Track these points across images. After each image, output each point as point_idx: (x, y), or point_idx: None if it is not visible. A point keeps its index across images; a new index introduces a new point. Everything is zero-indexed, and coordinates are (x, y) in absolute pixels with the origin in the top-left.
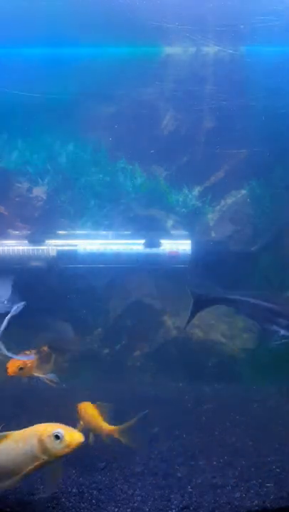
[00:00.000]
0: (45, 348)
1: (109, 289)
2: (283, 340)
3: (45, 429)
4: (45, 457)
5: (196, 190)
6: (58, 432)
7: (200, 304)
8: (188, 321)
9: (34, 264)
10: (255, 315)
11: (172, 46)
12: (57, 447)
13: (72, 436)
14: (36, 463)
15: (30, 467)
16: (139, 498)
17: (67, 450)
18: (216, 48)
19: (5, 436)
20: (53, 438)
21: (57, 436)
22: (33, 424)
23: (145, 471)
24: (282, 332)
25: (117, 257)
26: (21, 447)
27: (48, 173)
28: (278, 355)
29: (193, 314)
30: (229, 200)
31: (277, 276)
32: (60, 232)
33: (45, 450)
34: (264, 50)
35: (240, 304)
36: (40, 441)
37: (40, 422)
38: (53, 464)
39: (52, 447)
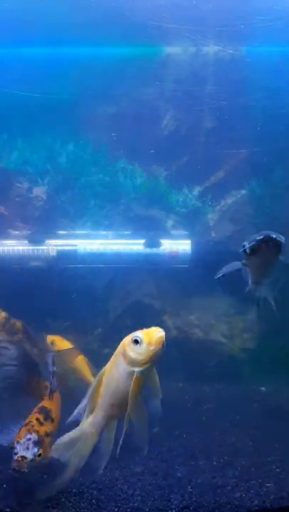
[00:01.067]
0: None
1: (109, 289)
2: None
3: (125, 341)
4: (135, 367)
5: (196, 190)
6: (135, 337)
7: None
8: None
9: (34, 264)
10: None
11: (172, 46)
12: (139, 351)
13: (151, 335)
14: (133, 380)
15: (132, 387)
16: (139, 498)
17: (151, 352)
18: (216, 47)
19: (102, 373)
20: (132, 345)
21: (136, 341)
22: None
23: (145, 471)
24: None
25: (117, 257)
26: (115, 372)
27: (48, 173)
28: (278, 355)
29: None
30: (229, 200)
31: (277, 276)
32: (60, 232)
33: (131, 361)
34: (264, 50)
35: None
36: (124, 355)
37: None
38: (148, 375)
39: (135, 354)
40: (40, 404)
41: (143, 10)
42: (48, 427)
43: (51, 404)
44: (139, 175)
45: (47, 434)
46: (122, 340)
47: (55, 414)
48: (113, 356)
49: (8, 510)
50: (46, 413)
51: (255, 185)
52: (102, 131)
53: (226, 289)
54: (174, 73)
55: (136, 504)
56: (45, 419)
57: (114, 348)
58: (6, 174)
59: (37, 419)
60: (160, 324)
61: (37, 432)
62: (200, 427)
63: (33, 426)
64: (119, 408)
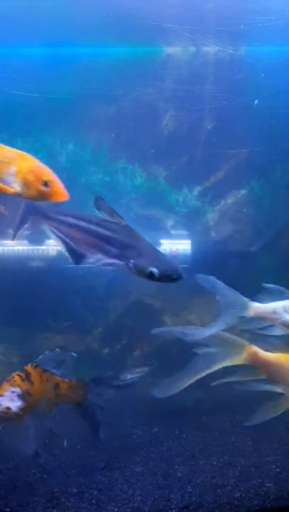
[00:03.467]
0: None
1: (109, 288)
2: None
3: None
4: None
5: (196, 190)
6: None
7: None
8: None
9: (34, 264)
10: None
11: (172, 46)
12: None
13: None
14: None
15: None
16: (139, 498)
17: None
18: (216, 47)
19: None
20: None
21: None
22: None
23: (145, 471)
24: (106, 260)
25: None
26: None
27: None
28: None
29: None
30: (229, 200)
31: (276, 277)
32: None
33: None
34: (264, 50)
35: (61, 223)
36: None
37: None
38: None
39: None
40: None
41: (143, 10)
42: (27, 386)
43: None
44: (139, 175)
45: (28, 393)
46: (121, 340)
47: (36, 388)
48: None
49: (8, 510)
50: (27, 374)
51: (255, 185)
52: (102, 131)
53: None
54: (174, 73)
55: (136, 504)
56: (26, 379)
57: (114, 348)
58: None
59: (19, 376)
60: (160, 324)
61: (20, 386)
62: (200, 427)
63: (15, 381)
64: None
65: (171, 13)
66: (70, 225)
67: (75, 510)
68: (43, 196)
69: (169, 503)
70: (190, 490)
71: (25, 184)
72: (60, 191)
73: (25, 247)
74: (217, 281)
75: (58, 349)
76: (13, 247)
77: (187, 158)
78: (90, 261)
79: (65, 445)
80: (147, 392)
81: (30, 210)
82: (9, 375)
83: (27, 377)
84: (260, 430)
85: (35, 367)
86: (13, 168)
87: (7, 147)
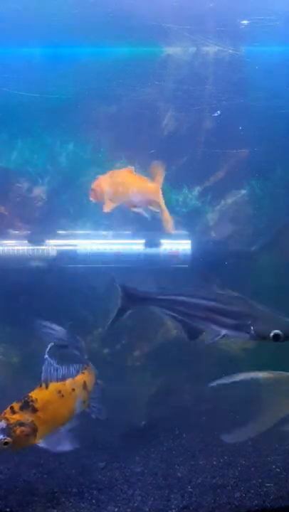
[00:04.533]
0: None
1: (109, 289)
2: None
3: None
4: None
5: (196, 190)
6: None
7: (128, 302)
8: (113, 322)
9: (34, 264)
10: (191, 315)
11: (172, 46)
12: None
13: None
14: None
15: None
16: (139, 498)
17: None
18: (216, 47)
19: None
20: None
21: None
22: None
23: (145, 471)
24: (224, 332)
25: (117, 257)
26: None
27: (48, 173)
28: (279, 355)
29: (119, 314)
30: (229, 200)
31: (276, 277)
32: (60, 232)
33: None
34: (264, 50)
35: (174, 304)
36: None
37: None
38: None
39: None
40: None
41: (143, 10)
42: (23, 417)
43: (41, 393)
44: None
45: (20, 424)
46: (121, 340)
47: (43, 403)
48: None
49: (8, 510)
50: (26, 402)
51: (255, 185)
52: (102, 131)
53: (226, 288)
54: (174, 73)
55: (136, 504)
56: (22, 408)
57: (114, 348)
58: (6, 174)
59: (11, 408)
60: (160, 324)
61: (6, 419)
62: (200, 427)
63: (4, 413)
64: None
65: (171, 13)
66: (183, 303)
67: (75, 510)
68: None
69: (169, 503)
70: (190, 490)
71: None
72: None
73: (25, 247)
74: None
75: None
76: (13, 247)
77: (187, 158)
78: (209, 337)
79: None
80: (147, 392)
81: (132, 298)
82: (9, 375)
83: (23, 406)
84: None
85: (45, 386)
86: None
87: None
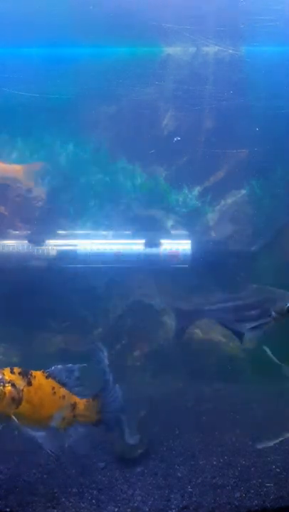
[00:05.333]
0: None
1: (109, 288)
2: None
3: None
4: None
5: (196, 190)
6: None
7: (184, 320)
8: (179, 337)
9: (34, 264)
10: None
11: (172, 46)
12: None
13: None
14: None
15: None
16: (139, 498)
17: None
18: (216, 47)
19: None
20: None
21: None
22: None
23: (145, 471)
24: (252, 325)
25: (117, 257)
26: None
27: (48, 173)
28: (279, 355)
29: (181, 331)
30: (229, 200)
31: (276, 277)
32: (60, 232)
33: None
34: (264, 50)
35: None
36: None
37: None
38: None
39: None
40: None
41: (143, 10)
42: (17, 381)
43: (40, 376)
44: (139, 175)
45: (13, 384)
46: (121, 340)
47: (36, 393)
48: None
49: (8, 510)
50: (26, 372)
51: (255, 185)
52: (102, 131)
53: (226, 288)
54: (174, 73)
55: (136, 504)
56: (21, 374)
57: (114, 348)
58: None
59: (11, 369)
60: (160, 324)
61: (2, 374)
62: (200, 427)
63: (3, 369)
64: None
65: (171, 13)
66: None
67: (75, 510)
68: None
69: (169, 503)
70: (190, 490)
71: None
72: None
73: (25, 247)
74: None
75: (70, 365)
76: (13, 247)
77: (187, 158)
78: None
79: (66, 445)
80: (147, 392)
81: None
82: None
83: (23, 374)
84: (260, 430)
85: (47, 376)
86: None
87: None
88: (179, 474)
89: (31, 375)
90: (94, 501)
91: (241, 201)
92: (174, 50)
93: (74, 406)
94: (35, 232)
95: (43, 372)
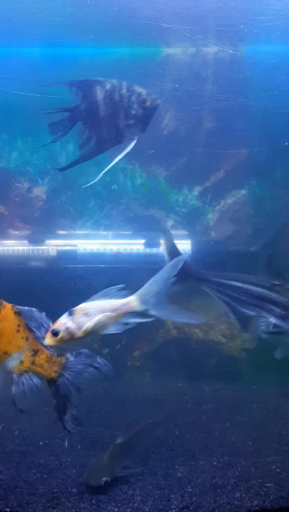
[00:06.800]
0: None
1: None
2: (272, 330)
3: None
4: None
5: (196, 190)
6: None
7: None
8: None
9: (34, 264)
10: (240, 300)
11: (172, 46)
12: None
13: None
14: None
15: None
16: (139, 498)
17: None
18: (216, 47)
19: None
20: None
21: None
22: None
23: (145, 471)
24: (274, 321)
25: (117, 257)
26: None
27: (48, 173)
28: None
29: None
30: (229, 200)
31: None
32: (60, 232)
33: None
34: (264, 50)
35: (223, 286)
36: None
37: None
38: None
39: None
40: None
41: (143, 10)
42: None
43: (9, 309)
44: (139, 175)
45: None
46: (121, 340)
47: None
48: None
49: (8, 510)
50: None
51: (255, 185)
52: None
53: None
54: (174, 73)
55: (136, 504)
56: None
57: (114, 348)
58: (6, 174)
59: None
60: (160, 324)
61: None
62: (200, 427)
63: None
64: None
65: (171, 13)
66: (234, 288)
67: (75, 510)
68: None
69: (169, 503)
70: (190, 490)
71: None
72: None
73: (25, 247)
74: None
75: (44, 315)
76: (13, 247)
77: (187, 159)
78: (261, 326)
79: (66, 445)
80: (147, 392)
81: (187, 273)
82: (9, 374)
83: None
84: (260, 430)
85: (16, 312)
86: None
87: None
88: (179, 474)
89: (1, 304)
90: (94, 501)
91: (241, 201)
92: (174, 50)
93: (35, 353)
94: (35, 232)
95: (13, 306)
